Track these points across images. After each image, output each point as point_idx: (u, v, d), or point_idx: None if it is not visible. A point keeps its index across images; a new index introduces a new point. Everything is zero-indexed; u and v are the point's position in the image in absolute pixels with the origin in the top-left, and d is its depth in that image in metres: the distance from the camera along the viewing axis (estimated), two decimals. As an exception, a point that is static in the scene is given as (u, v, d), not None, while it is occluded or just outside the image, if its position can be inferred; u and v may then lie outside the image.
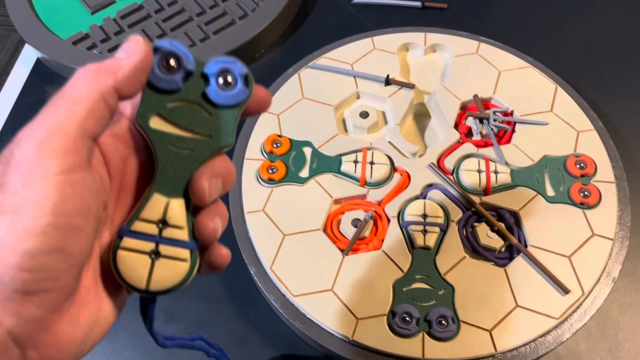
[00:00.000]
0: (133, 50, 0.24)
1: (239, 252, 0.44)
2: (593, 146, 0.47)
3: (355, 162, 0.47)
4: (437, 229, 0.43)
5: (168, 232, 0.25)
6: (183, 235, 0.26)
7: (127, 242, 0.25)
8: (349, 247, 0.43)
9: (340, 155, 0.48)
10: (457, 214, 0.44)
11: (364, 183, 0.46)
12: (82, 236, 0.22)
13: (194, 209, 0.26)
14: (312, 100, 0.51)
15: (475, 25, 0.56)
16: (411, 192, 0.46)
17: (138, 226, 0.25)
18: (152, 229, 0.25)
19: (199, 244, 0.26)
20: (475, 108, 0.49)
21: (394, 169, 0.47)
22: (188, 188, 0.26)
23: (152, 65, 0.25)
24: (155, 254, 0.25)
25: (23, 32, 0.57)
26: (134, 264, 0.25)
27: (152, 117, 0.26)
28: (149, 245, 0.25)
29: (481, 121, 0.49)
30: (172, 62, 0.25)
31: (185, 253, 0.26)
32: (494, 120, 0.48)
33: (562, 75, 0.52)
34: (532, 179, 0.45)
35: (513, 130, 0.48)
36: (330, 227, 0.45)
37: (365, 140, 0.49)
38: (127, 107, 0.27)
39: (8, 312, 0.21)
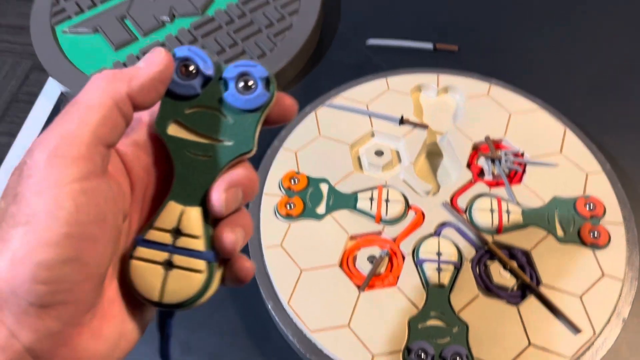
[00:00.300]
0: (152, 60, 0.24)
1: (257, 286, 0.45)
2: (602, 188, 0.48)
3: (371, 199, 0.48)
4: (451, 267, 0.45)
5: (182, 242, 0.24)
6: (198, 245, 0.24)
7: (141, 251, 0.24)
8: (365, 283, 0.44)
9: (356, 192, 0.49)
10: (470, 252, 0.46)
11: (380, 220, 0.47)
12: (98, 246, 0.22)
13: (213, 219, 0.25)
14: (328, 138, 0.52)
15: (485, 67, 0.58)
16: (425, 230, 0.47)
17: (152, 235, 0.24)
18: (166, 238, 0.24)
19: (219, 256, 0.25)
20: (487, 149, 0.51)
21: (408, 206, 0.49)
22: (205, 197, 0.25)
23: (172, 77, 0.25)
24: (169, 265, 0.24)
25: (48, 67, 0.59)
26: (147, 275, 0.24)
27: (170, 124, 0.25)
28: (163, 255, 0.24)
29: (493, 162, 0.50)
30: (191, 67, 0.25)
31: (200, 264, 0.24)
32: (505, 161, 0.50)
33: (570, 117, 0.53)
34: (542, 219, 0.47)
35: (524, 171, 0.50)
36: (347, 263, 0.46)
37: (380, 178, 0.50)
38: (147, 115, 0.27)
39: (25, 326, 0.20)
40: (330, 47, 0.64)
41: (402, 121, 0.53)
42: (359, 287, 0.44)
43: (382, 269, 0.46)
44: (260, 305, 0.46)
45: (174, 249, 0.24)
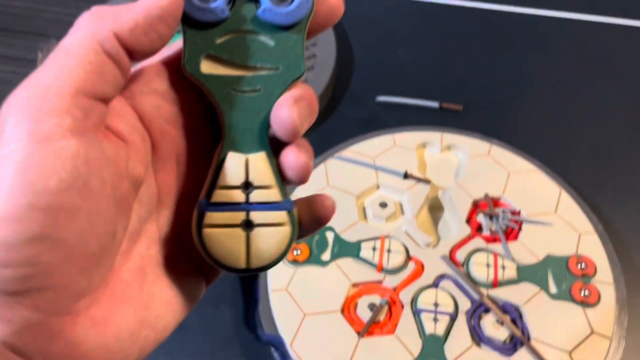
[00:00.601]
0: None
1: (256, 328, 0.48)
2: (594, 248, 0.51)
3: (374, 248, 0.51)
4: (447, 318, 0.47)
5: (256, 195, 0.21)
6: (274, 195, 0.21)
7: (212, 217, 0.21)
8: (365, 330, 0.47)
9: (360, 241, 0.52)
10: (466, 304, 0.48)
11: (381, 269, 0.50)
12: (79, 219, 0.18)
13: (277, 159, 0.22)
14: (336, 188, 0.56)
15: (488, 127, 0.62)
16: (424, 281, 0.50)
17: (219, 196, 0.21)
18: (238, 196, 0.21)
19: (294, 202, 0.22)
20: (486, 206, 0.54)
21: (409, 257, 0.51)
22: (266, 135, 0.21)
23: (179, 13, 0.20)
24: (248, 225, 0.21)
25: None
26: (227, 242, 0.21)
27: (202, 60, 0.21)
28: (239, 216, 0.21)
29: (491, 218, 0.53)
30: None
31: (282, 216, 0.21)
32: (503, 218, 0.53)
33: (567, 179, 0.56)
34: (536, 276, 0.49)
35: (520, 229, 0.52)
36: (348, 309, 0.49)
37: (384, 229, 0.53)
38: (167, 54, 0.22)
39: None
40: (342, 102, 0.68)
41: (406, 176, 0.56)
42: (358, 333, 0.47)
43: (382, 317, 0.48)
44: (265, 347, 0.48)
45: (249, 206, 0.21)
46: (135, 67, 0.22)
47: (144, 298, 0.21)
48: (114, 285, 0.20)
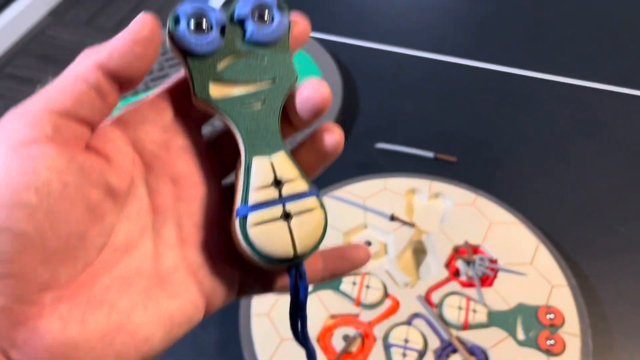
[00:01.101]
0: (130, 25, 0.22)
1: (241, 350, 0.51)
2: (564, 300, 0.53)
3: (354, 283, 0.54)
4: (415, 354, 0.49)
5: (287, 189, 0.24)
6: (302, 185, 0.24)
7: (255, 217, 0.23)
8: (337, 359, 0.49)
9: (342, 276, 0.55)
10: (435, 343, 0.50)
11: (359, 303, 0.53)
12: (37, 215, 0.19)
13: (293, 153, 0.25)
14: (326, 225, 0.59)
15: (477, 179, 0.65)
16: (398, 318, 0.52)
17: (256, 197, 0.24)
18: (272, 193, 0.24)
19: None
20: (465, 252, 0.57)
21: (386, 294, 0.54)
22: (280, 135, 0.24)
23: (156, 37, 0.23)
24: (287, 216, 0.24)
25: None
26: (273, 235, 0.23)
27: (209, 87, 0.24)
28: (278, 210, 0.24)
29: (468, 264, 0.56)
30: (203, 21, 0.24)
31: (313, 202, 0.24)
32: (480, 265, 0.55)
33: (547, 234, 0.59)
34: (505, 322, 0.51)
35: (495, 276, 0.55)
36: (324, 339, 0.51)
37: (366, 266, 0.56)
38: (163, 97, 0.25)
39: None
40: (344, 146, 0.72)
41: (392, 218, 0.59)
42: (330, 361, 0.49)
43: (354, 348, 0.50)
44: (243, 366, 0.51)
45: (283, 200, 0.24)
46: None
47: (124, 306, 0.21)
48: (90, 288, 0.21)
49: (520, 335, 0.50)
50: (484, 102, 0.77)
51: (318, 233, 0.24)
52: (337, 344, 0.51)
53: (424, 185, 0.63)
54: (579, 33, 0.88)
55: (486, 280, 0.55)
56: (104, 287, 0.21)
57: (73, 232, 0.20)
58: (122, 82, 0.22)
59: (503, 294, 0.53)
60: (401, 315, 0.52)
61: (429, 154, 0.70)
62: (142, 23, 0.22)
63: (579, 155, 0.70)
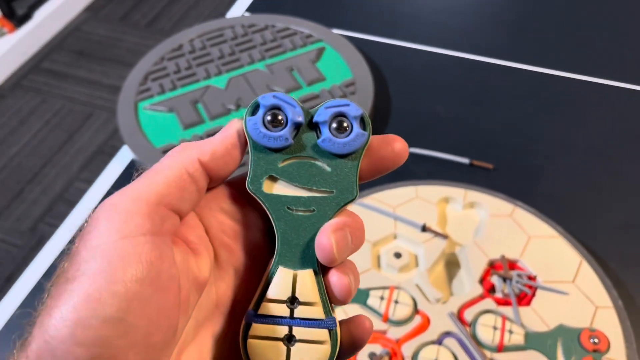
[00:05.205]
0: (226, 128, 0.24)
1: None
2: (610, 324, 0.49)
3: (382, 298, 0.51)
4: (445, 377, 0.46)
5: (300, 311, 0.22)
6: (318, 312, 0.23)
7: (257, 328, 0.22)
8: (361, 378, 0.47)
9: (369, 289, 0.52)
10: (467, 365, 0.47)
11: (387, 320, 0.50)
12: (149, 308, 0.20)
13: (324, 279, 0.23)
14: (353, 234, 0.56)
15: (514, 188, 0.61)
16: (428, 336, 0.49)
17: (266, 309, 0.23)
18: (283, 310, 0.23)
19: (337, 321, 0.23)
20: (501, 267, 0.53)
21: (416, 311, 0.51)
22: (315, 253, 0.23)
23: (246, 140, 0.23)
24: (290, 340, 0.22)
25: (124, 135, 0.68)
26: (268, 354, 0.22)
27: (264, 181, 0.23)
28: (282, 330, 0.22)
29: (505, 280, 0.52)
30: (279, 116, 0.23)
31: (323, 334, 0.22)
32: (517, 282, 0.52)
33: (591, 250, 0.55)
34: (544, 345, 0.48)
35: (534, 295, 0.51)
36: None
37: (395, 279, 0.53)
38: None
39: None
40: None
41: (424, 228, 0.56)
42: (354, 380, 0.47)
43: (381, 367, 0.48)
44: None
45: (292, 321, 0.22)
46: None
47: None
48: None
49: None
50: (524, 106, 0.73)
51: None
52: (363, 362, 0.48)
53: (458, 194, 0.59)
54: (627, 33, 0.83)
55: (524, 299, 0.51)
56: None
57: (172, 327, 0.21)
58: (215, 176, 0.24)
59: (542, 314, 0.50)
60: (431, 333, 0.49)
61: (464, 160, 0.66)
62: (236, 129, 0.24)
63: (627, 166, 0.66)
